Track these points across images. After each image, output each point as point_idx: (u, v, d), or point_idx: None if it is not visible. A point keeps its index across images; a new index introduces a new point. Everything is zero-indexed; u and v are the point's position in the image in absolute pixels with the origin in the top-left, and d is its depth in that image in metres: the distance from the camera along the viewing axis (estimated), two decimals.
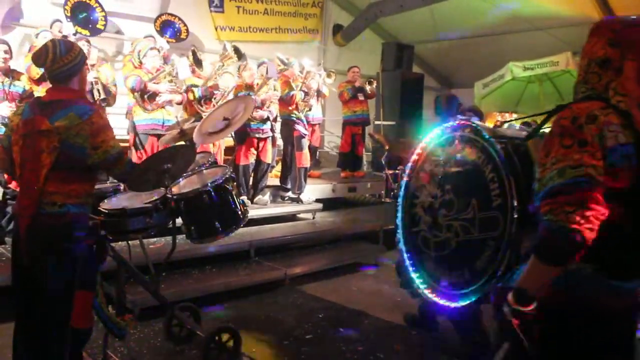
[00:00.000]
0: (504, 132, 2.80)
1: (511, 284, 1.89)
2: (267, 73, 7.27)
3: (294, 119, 7.53)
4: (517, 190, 2.44)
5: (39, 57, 2.83)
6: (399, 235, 3.36)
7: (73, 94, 2.85)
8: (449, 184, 2.98)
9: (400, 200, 3.37)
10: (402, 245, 3.31)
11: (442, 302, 2.98)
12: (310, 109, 8.31)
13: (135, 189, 3.38)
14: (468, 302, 2.79)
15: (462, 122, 2.94)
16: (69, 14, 8.04)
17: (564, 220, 1.59)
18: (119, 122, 7.56)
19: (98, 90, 6.13)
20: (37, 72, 5.59)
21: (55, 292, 2.76)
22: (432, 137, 3.17)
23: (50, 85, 2.91)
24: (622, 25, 1.79)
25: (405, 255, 3.26)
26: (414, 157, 3.28)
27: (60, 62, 2.80)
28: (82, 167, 2.79)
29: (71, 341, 2.88)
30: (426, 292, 3.09)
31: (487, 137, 2.69)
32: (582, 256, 1.67)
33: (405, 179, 3.35)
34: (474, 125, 2.84)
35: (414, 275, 3.19)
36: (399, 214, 3.36)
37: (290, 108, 7.52)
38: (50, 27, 7.37)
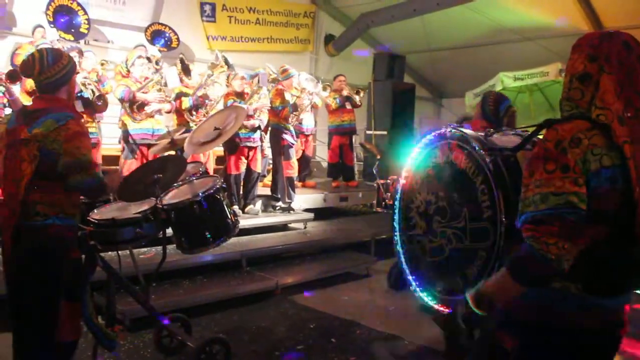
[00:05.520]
0: (494, 142, 2.79)
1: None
2: (259, 82, 7.28)
3: (282, 128, 7.53)
4: (506, 204, 2.45)
5: (26, 68, 2.81)
6: (396, 237, 3.36)
7: (58, 103, 2.80)
8: (442, 192, 2.98)
9: (397, 203, 3.37)
10: (399, 248, 3.32)
11: (436, 306, 3.00)
12: (300, 123, 8.33)
13: (123, 198, 3.38)
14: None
15: (454, 130, 2.94)
16: (51, 19, 8.02)
17: (544, 250, 1.63)
18: (110, 131, 7.55)
19: (92, 90, 6.17)
20: (32, 85, 5.60)
21: (39, 304, 2.74)
22: (425, 142, 3.17)
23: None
24: (600, 39, 1.80)
25: (402, 258, 3.27)
26: (409, 161, 3.29)
27: (48, 73, 2.76)
28: (58, 174, 2.72)
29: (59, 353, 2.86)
30: (422, 295, 3.10)
31: (476, 148, 2.69)
32: (566, 275, 1.71)
33: (401, 182, 3.35)
34: (464, 134, 2.84)
35: (410, 278, 3.20)
36: (396, 217, 3.37)
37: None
38: (32, 34, 7.35)
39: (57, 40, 7.28)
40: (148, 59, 6.88)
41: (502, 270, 1.80)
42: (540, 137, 1.87)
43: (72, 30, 8.24)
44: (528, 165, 1.75)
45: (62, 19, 8.15)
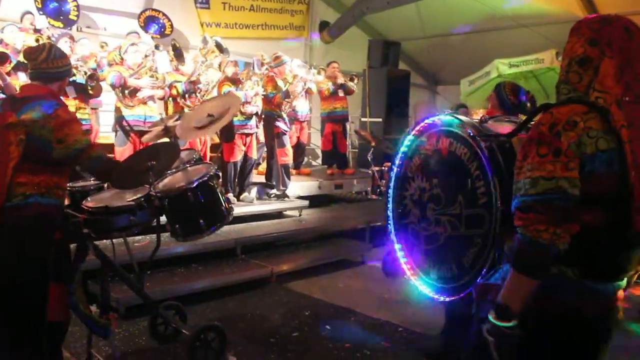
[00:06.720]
0: (489, 128, 2.78)
1: (492, 281, 1.90)
2: (252, 69, 7.24)
3: (275, 115, 7.50)
4: (501, 190, 2.44)
5: (32, 52, 2.93)
6: (390, 226, 3.35)
7: (46, 92, 2.89)
8: (436, 178, 2.97)
9: (390, 191, 3.36)
10: (393, 236, 3.31)
11: (431, 294, 3.00)
12: (294, 109, 8.29)
13: (116, 186, 3.36)
14: (454, 297, 2.81)
15: (448, 116, 2.93)
16: (40, 6, 7.93)
17: (536, 237, 1.64)
18: (105, 119, 7.49)
19: (85, 72, 6.14)
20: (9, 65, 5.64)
21: (25, 284, 2.76)
22: (420, 129, 3.15)
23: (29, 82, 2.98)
24: (601, 23, 1.78)
25: (396, 246, 3.26)
26: (402, 149, 3.27)
27: (52, 64, 2.92)
28: (50, 160, 2.81)
29: (47, 335, 2.86)
30: (416, 283, 3.10)
31: (471, 134, 2.68)
32: (562, 260, 1.71)
33: (394, 170, 3.33)
34: (459, 120, 2.83)
35: (404, 266, 3.20)
36: (390, 205, 3.35)
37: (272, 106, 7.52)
38: (21, 20, 7.26)
39: (47, 27, 7.19)
40: (145, 45, 6.84)
41: (510, 272, 1.76)
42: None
43: (61, 17, 8.15)
44: (522, 148, 1.75)
45: (50, 5, 8.05)
